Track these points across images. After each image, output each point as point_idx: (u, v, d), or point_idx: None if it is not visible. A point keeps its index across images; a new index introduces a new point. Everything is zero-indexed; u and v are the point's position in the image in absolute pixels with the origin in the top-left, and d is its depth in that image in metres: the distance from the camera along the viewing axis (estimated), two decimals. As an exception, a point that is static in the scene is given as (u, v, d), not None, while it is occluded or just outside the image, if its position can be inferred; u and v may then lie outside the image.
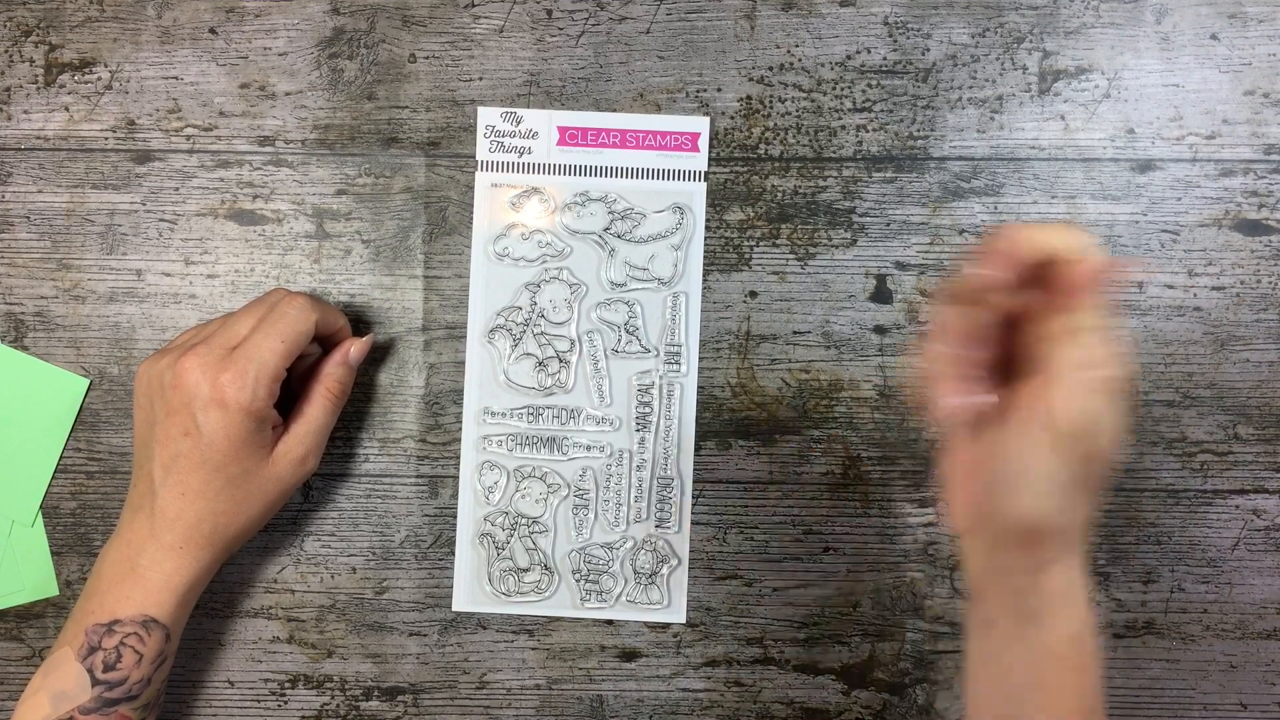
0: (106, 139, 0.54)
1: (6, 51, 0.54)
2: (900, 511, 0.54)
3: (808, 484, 0.54)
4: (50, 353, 0.54)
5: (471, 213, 0.54)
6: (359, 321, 0.54)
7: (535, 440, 0.54)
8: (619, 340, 0.54)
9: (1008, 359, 0.40)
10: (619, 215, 0.54)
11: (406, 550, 0.54)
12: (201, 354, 0.46)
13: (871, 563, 0.54)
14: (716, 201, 0.54)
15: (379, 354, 0.54)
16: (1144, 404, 0.54)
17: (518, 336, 0.54)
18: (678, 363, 0.54)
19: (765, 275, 0.54)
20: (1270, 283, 0.53)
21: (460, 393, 0.54)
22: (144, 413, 0.48)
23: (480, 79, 0.54)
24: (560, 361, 0.54)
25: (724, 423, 0.54)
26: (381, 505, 0.54)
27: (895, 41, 0.54)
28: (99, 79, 0.54)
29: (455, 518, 0.54)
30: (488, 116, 0.54)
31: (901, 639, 0.54)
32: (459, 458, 0.54)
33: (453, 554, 0.54)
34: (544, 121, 0.54)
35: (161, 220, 0.54)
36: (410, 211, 0.54)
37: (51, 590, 0.54)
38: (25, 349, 0.54)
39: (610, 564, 0.54)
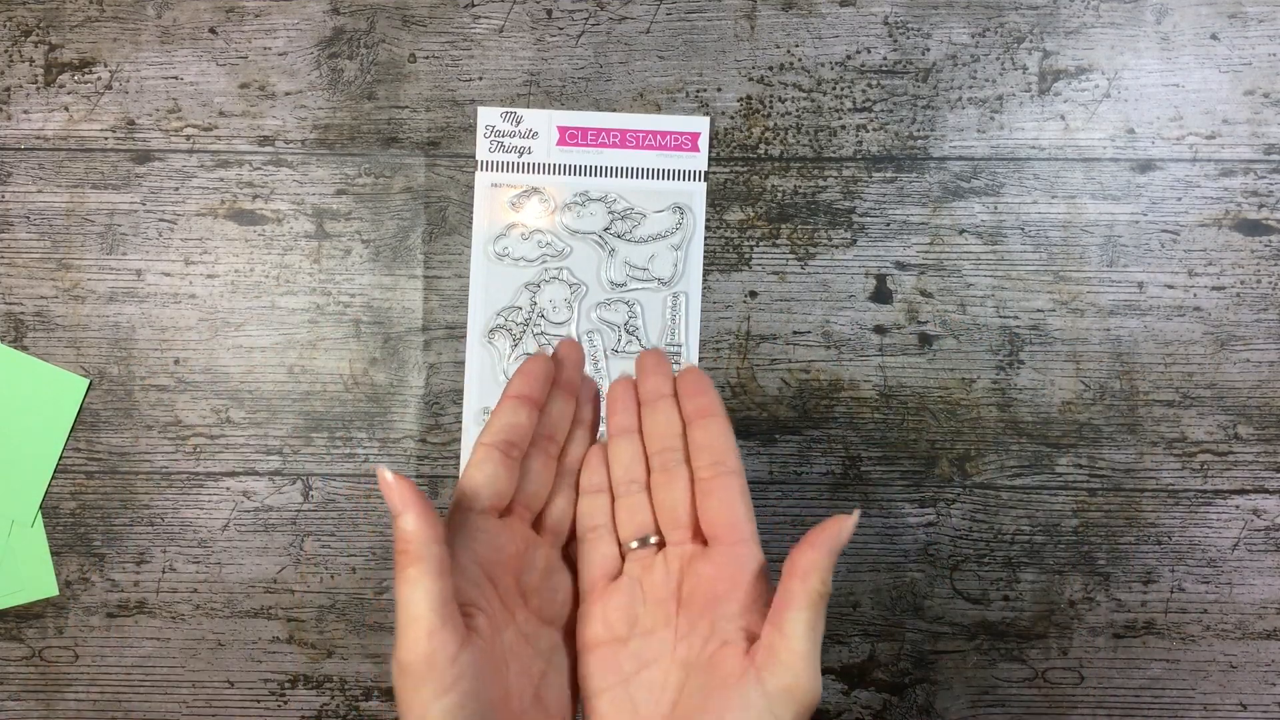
0: (106, 139, 0.54)
1: (6, 51, 0.54)
2: (900, 511, 0.54)
3: (808, 484, 0.54)
4: (50, 353, 0.54)
5: (471, 213, 0.54)
6: (358, 323, 0.54)
7: (535, 440, 0.54)
8: (619, 340, 0.54)
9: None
10: (619, 215, 0.54)
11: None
12: None
13: (871, 563, 0.54)
14: (716, 201, 0.54)
15: (379, 354, 0.54)
16: (1144, 404, 0.54)
17: (518, 336, 0.54)
18: (678, 363, 0.54)
19: (765, 275, 0.54)
20: (1270, 283, 0.53)
21: (460, 393, 0.54)
22: None
23: (480, 79, 0.54)
24: (560, 361, 0.54)
25: (724, 423, 0.54)
26: (381, 505, 0.54)
27: (895, 41, 0.54)
28: (99, 79, 0.54)
29: (455, 518, 0.54)
30: (488, 116, 0.54)
31: (901, 639, 0.54)
32: (459, 458, 0.54)
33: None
34: (544, 121, 0.54)
35: (161, 220, 0.54)
36: (410, 211, 0.54)
37: (51, 590, 0.54)
38: (25, 349, 0.54)
39: (610, 564, 0.54)
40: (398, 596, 0.34)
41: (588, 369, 0.54)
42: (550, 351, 0.41)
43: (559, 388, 0.40)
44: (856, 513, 0.36)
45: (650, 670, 0.38)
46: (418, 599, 0.34)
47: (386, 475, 0.34)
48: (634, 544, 0.40)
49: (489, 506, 0.37)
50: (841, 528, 0.35)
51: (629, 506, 0.40)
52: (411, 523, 0.34)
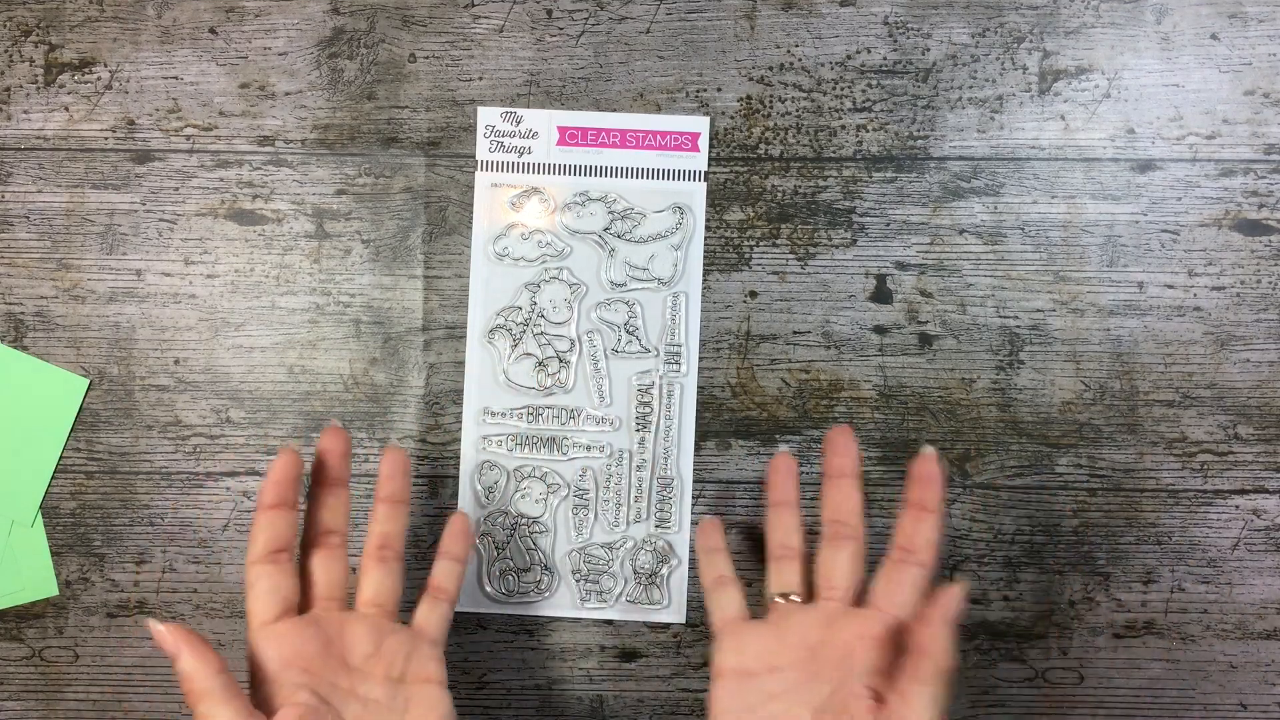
0: (106, 139, 0.54)
1: (6, 51, 0.54)
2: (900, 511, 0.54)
3: (808, 484, 0.54)
4: (50, 353, 0.54)
5: (471, 213, 0.54)
6: (358, 323, 0.54)
7: (535, 440, 0.54)
8: (619, 340, 0.54)
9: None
10: (619, 215, 0.54)
11: (406, 550, 0.54)
12: None
13: (871, 563, 0.54)
14: (716, 201, 0.54)
15: (379, 354, 0.54)
16: (1144, 404, 0.54)
17: (518, 336, 0.54)
18: (678, 363, 0.54)
19: (765, 275, 0.54)
20: (1270, 283, 0.53)
21: (460, 393, 0.54)
22: None
23: (480, 79, 0.54)
24: (560, 361, 0.54)
25: (724, 423, 0.54)
26: (381, 505, 0.54)
27: (895, 41, 0.54)
28: (99, 79, 0.54)
29: (455, 518, 0.54)
30: (488, 116, 0.54)
31: (901, 639, 0.54)
32: (459, 458, 0.54)
33: (453, 554, 0.54)
34: (544, 121, 0.54)
35: (161, 220, 0.54)
36: (410, 211, 0.54)
37: (51, 590, 0.54)
38: (25, 349, 0.54)
39: (610, 564, 0.54)
40: None
41: (588, 369, 0.54)
42: (289, 444, 0.46)
43: (325, 486, 0.45)
44: (962, 584, 0.41)
45: (775, 704, 0.43)
46: None
47: (156, 626, 0.39)
48: (777, 598, 0.46)
49: (280, 614, 0.42)
50: (951, 600, 0.40)
51: (782, 569, 0.46)
52: (188, 662, 0.39)
